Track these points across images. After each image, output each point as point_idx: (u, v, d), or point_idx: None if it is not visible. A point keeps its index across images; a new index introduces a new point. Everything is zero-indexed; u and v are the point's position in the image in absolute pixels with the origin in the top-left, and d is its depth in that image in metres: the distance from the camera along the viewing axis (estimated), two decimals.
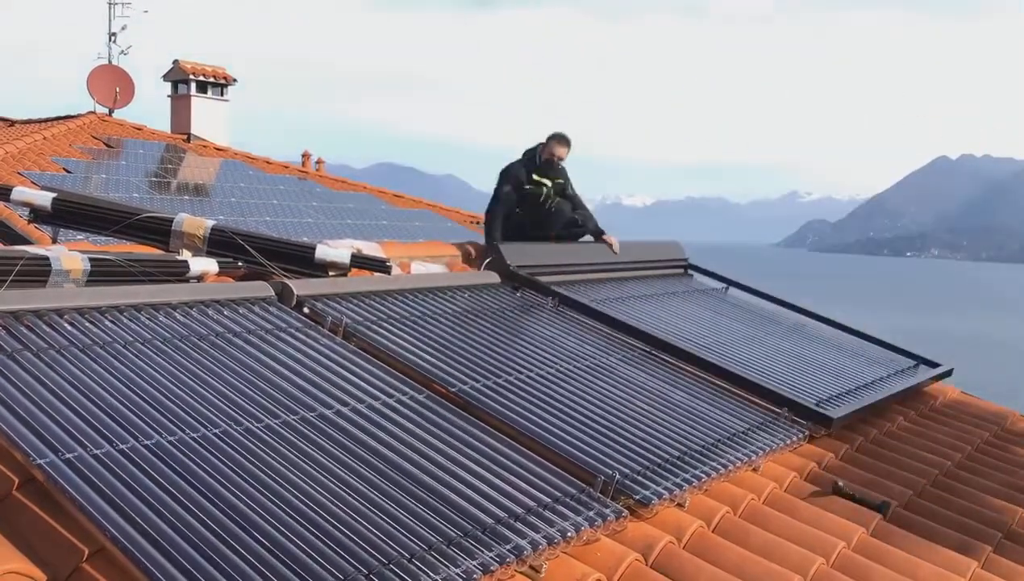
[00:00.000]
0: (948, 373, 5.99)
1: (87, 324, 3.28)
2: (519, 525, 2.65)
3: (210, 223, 4.42)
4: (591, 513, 2.85)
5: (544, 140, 6.50)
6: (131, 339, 3.25)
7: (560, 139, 6.47)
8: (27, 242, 9.27)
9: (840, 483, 3.78)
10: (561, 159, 6.47)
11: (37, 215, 4.54)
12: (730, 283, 6.95)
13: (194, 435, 2.70)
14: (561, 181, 6.53)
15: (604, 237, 6.51)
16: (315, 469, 2.68)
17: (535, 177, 6.38)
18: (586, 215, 6.59)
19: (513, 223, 6.34)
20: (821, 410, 4.34)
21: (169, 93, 17.44)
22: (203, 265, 4.17)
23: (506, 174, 6.38)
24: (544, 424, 3.45)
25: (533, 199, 6.37)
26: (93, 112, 16.29)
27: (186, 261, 4.11)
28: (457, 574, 2.33)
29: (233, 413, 2.90)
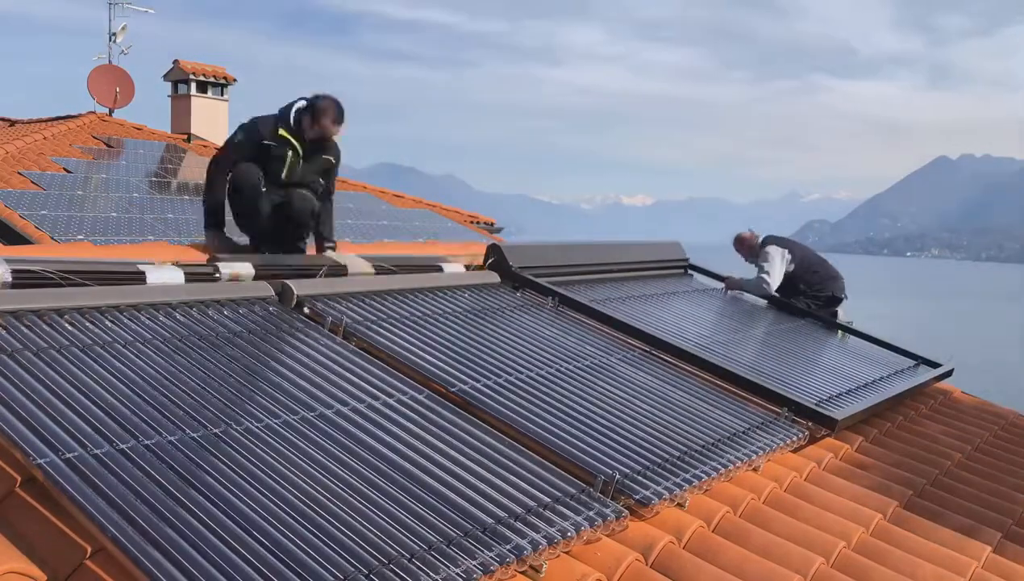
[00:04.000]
0: (948, 373, 5.99)
1: (87, 324, 3.28)
2: (519, 525, 2.65)
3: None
4: (591, 513, 2.84)
5: (305, 102, 5.09)
6: (131, 339, 3.25)
7: (332, 112, 5.06)
8: (26, 241, 9.28)
9: None
10: (332, 136, 5.17)
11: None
12: None
13: (194, 435, 2.70)
14: (331, 159, 5.29)
15: (328, 246, 5.25)
16: (315, 469, 2.68)
17: (282, 133, 5.06)
18: (328, 214, 5.35)
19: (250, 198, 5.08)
20: (823, 410, 4.34)
21: (169, 93, 17.44)
22: (165, 274, 3.88)
23: (246, 124, 5.17)
24: (544, 424, 3.44)
25: (273, 163, 5.07)
26: (93, 112, 16.29)
27: (144, 272, 3.82)
28: (457, 574, 2.33)
29: (233, 413, 2.90)
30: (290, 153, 5.10)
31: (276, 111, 5.16)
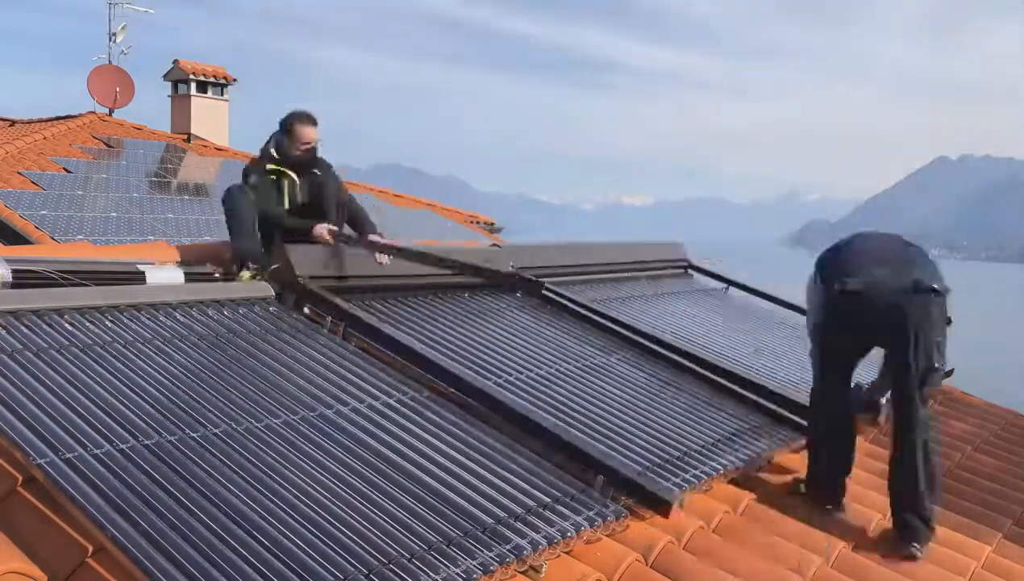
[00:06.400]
0: (949, 373, 5.98)
1: (87, 324, 3.28)
2: (519, 525, 2.65)
3: None
4: (591, 513, 2.84)
5: (279, 127, 4.93)
6: (131, 339, 3.25)
7: (303, 118, 4.88)
8: (26, 241, 9.27)
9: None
10: (311, 144, 4.90)
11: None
12: (730, 283, 6.94)
13: (194, 435, 2.70)
14: (319, 174, 4.99)
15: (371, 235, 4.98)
16: (315, 469, 2.68)
17: (272, 167, 4.90)
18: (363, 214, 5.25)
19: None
20: None
21: (169, 93, 17.42)
22: (165, 274, 3.91)
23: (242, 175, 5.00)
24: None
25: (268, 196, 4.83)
26: (93, 112, 16.28)
27: (143, 271, 3.86)
28: (457, 574, 2.33)
29: (233, 413, 2.90)
30: (286, 182, 4.94)
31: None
